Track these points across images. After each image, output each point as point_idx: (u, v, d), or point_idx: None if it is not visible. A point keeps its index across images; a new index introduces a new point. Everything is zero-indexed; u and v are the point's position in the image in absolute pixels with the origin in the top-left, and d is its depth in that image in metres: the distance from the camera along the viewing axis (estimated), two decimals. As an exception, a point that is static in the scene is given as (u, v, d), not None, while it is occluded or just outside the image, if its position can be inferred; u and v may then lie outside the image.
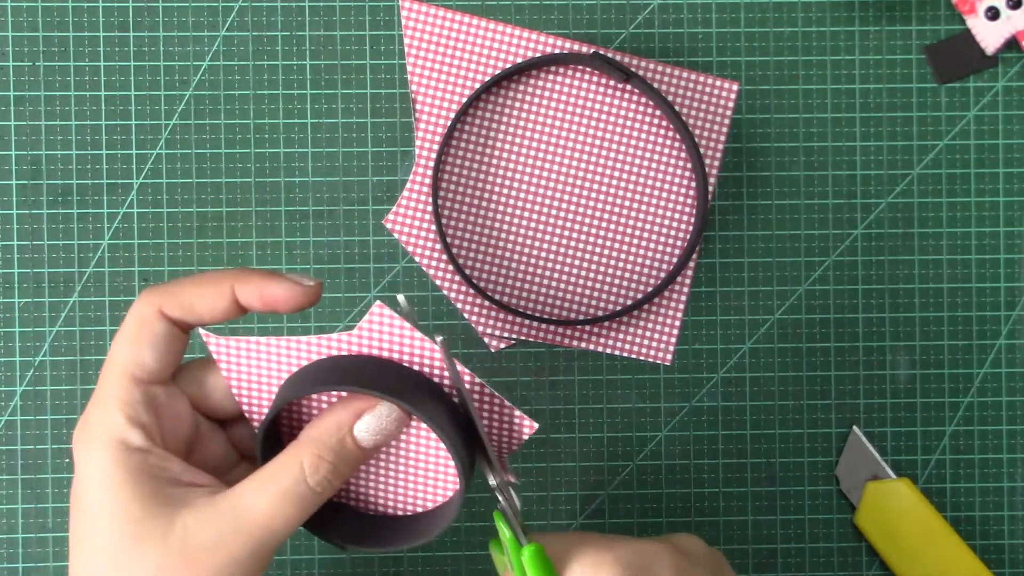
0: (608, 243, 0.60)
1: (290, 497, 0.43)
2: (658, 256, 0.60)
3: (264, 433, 0.45)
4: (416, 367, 0.45)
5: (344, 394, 0.46)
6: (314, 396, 0.46)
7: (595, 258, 0.60)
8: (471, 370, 0.46)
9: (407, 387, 0.44)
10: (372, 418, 0.44)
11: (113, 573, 0.42)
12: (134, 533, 0.42)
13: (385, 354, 0.45)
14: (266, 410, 0.46)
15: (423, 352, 0.45)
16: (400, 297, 0.44)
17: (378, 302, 0.44)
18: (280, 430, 0.47)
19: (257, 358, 0.45)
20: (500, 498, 0.45)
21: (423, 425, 0.46)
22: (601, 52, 0.60)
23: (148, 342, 0.45)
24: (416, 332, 0.44)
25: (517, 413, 0.46)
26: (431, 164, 0.60)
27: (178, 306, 0.45)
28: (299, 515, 0.43)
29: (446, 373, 0.45)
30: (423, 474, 0.47)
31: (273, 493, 0.43)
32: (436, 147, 0.60)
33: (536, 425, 0.46)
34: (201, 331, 0.45)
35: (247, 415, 0.47)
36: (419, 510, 0.48)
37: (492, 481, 0.45)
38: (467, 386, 0.45)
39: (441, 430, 0.43)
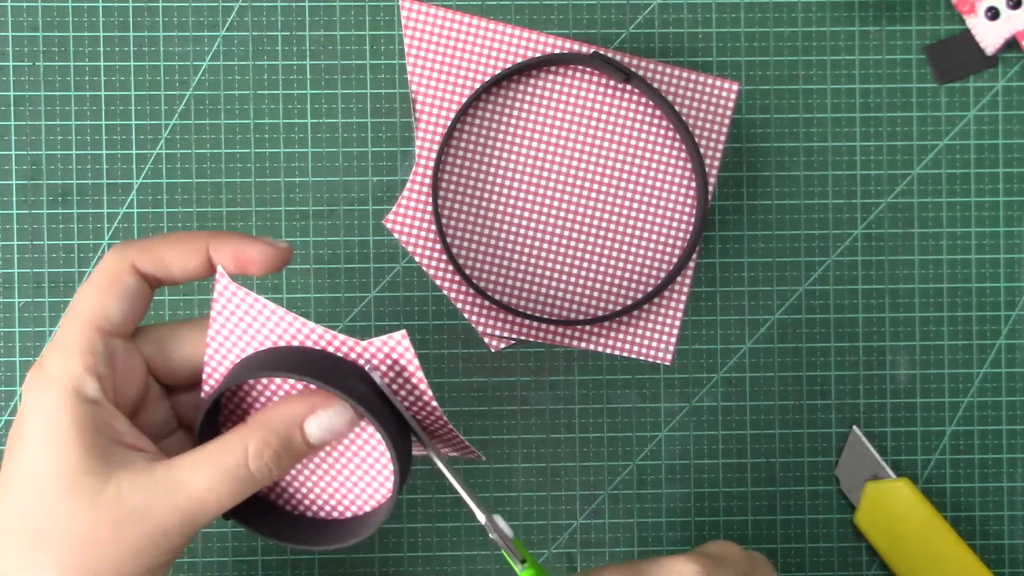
0: (608, 243, 0.60)
1: (228, 477, 0.43)
2: (658, 256, 0.60)
3: (209, 406, 0.45)
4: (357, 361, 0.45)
5: (298, 386, 0.45)
6: (262, 383, 0.46)
7: (595, 258, 0.60)
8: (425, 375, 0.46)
9: (358, 386, 0.44)
10: (326, 416, 0.44)
11: (40, 520, 0.42)
12: (68, 485, 0.42)
13: (331, 348, 0.45)
14: (221, 377, 0.46)
15: (297, 329, 0.45)
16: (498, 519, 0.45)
17: (403, 332, 0.44)
18: (220, 410, 0.47)
19: (252, 319, 0.45)
20: (491, 533, 0.45)
21: (361, 430, 0.46)
22: (601, 52, 0.60)
23: (117, 294, 0.44)
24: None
25: (389, 340, 0.45)
26: (431, 164, 0.60)
27: (151, 260, 0.45)
28: (233, 497, 0.43)
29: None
30: (356, 478, 0.47)
31: (212, 470, 0.43)
32: (436, 147, 0.60)
33: (403, 334, 0.44)
34: (219, 269, 0.45)
35: (204, 376, 0.46)
36: (348, 515, 0.48)
37: (480, 518, 0.45)
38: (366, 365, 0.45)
39: (387, 433, 0.43)
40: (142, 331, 0.46)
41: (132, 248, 0.45)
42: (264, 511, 0.47)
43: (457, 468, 0.60)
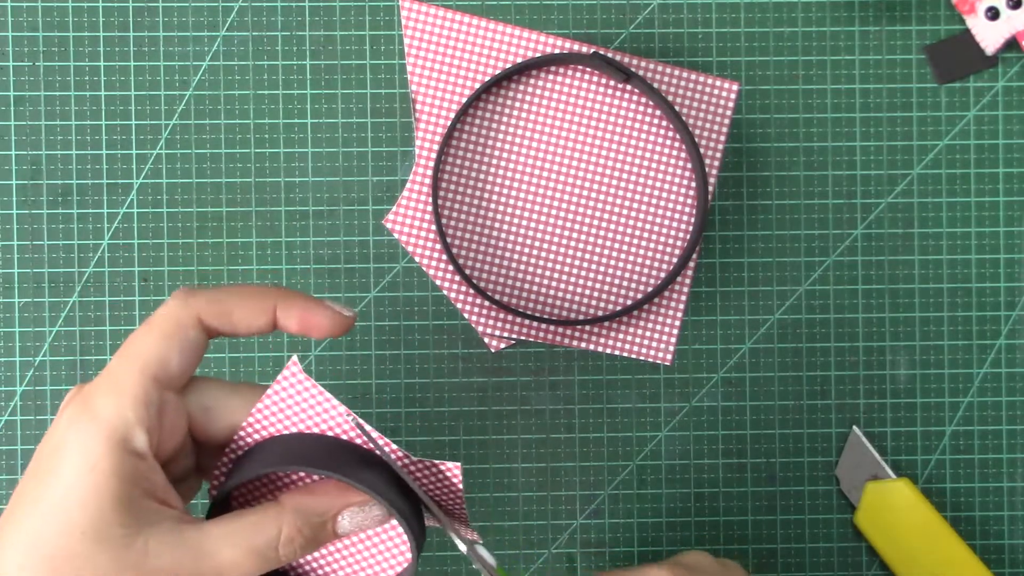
0: (608, 243, 0.60)
1: (256, 556, 0.43)
2: (658, 256, 0.60)
3: (232, 488, 0.44)
4: (335, 433, 0.45)
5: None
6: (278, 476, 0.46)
7: (595, 258, 0.60)
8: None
9: (361, 464, 0.44)
10: (361, 512, 0.44)
11: (62, 561, 0.41)
12: (97, 534, 0.41)
13: (300, 424, 0.45)
14: (247, 445, 0.46)
15: (337, 420, 0.45)
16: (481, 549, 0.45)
17: (294, 361, 0.44)
18: (233, 498, 0.47)
19: (305, 407, 0.44)
20: (474, 562, 0.45)
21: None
22: (601, 52, 0.60)
23: (178, 345, 0.43)
24: (329, 399, 0.44)
25: (442, 465, 0.45)
26: (431, 164, 0.60)
27: (218, 315, 0.44)
28: (256, 573, 0.43)
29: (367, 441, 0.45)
30: (374, 548, 0.47)
31: (242, 547, 0.42)
32: (436, 147, 0.60)
33: (457, 465, 0.45)
34: (293, 358, 0.44)
35: (232, 444, 0.46)
36: None
37: (462, 547, 0.45)
38: (393, 456, 0.45)
39: (399, 512, 0.43)
40: (192, 384, 0.45)
41: (199, 299, 0.44)
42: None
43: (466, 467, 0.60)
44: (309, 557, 0.47)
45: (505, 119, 0.60)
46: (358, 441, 0.45)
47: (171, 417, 0.44)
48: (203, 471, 0.47)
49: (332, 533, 0.44)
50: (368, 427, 0.44)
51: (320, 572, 0.48)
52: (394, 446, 0.44)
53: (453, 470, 0.44)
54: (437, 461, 0.44)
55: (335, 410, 0.44)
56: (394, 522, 0.46)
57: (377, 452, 0.45)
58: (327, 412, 0.44)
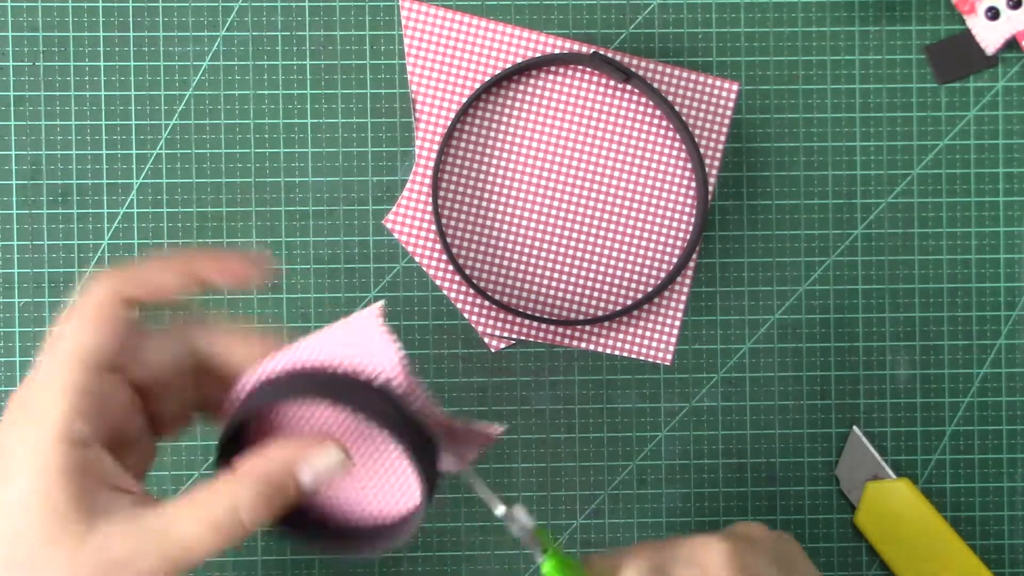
0: (608, 243, 0.60)
1: (220, 528, 0.42)
2: (658, 256, 0.60)
3: (228, 435, 0.44)
4: (375, 375, 0.45)
5: (306, 407, 0.45)
6: (282, 415, 0.46)
7: (595, 258, 0.60)
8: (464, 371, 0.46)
9: (367, 398, 0.43)
10: (319, 460, 0.43)
11: (20, 567, 0.41)
12: (51, 534, 0.40)
13: (350, 358, 0.44)
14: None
15: (386, 361, 0.44)
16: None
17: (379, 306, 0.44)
18: (241, 445, 0.47)
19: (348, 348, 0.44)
20: (511, 527, 0.44)
21: (386, 440, 0.46)
22: (601, 52, 0.60)
23: (104, 326, 0.42)
24: (391, 341, 0.44)
25: (483, 427, 0.45)
26: (431, 164, 0.60)
27: (135, 283, 0.43)
28: (223, 545, 0.42)
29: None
30: (385, 487, 0.47)
31: (203, 520, 0.41)
32: (436, 147, 0.60)
33: (496, 429, 0.45)
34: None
35: (232, 395, 0.46)
36: (379, 522, 0.47)
37: (498, 511, 0.44)
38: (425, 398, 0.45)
39: (403, 442, 0.43)
40: (199, 331, 0.45)
41: (114, 275, 0.43)
42: (295, 518, 0.47)
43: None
44: (327, 493, 0.47)
45: (505, 119, 0.60)
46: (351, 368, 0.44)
47: (112, 398, 0.43)
48: (212, 407, 0.46)
49: (297, 489, 0.43)
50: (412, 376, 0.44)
51: (337, 510, 0.47)
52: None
53: (491, 430, 0.44)
54: (476, 422, 0.44)
55: (387, 353, 0.44)
56: (407, 463, 0.46)
57: (413, 400, 0.44)
58: (376, 355, 0.44)
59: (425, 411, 0.44)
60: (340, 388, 0.43)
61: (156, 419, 0.46)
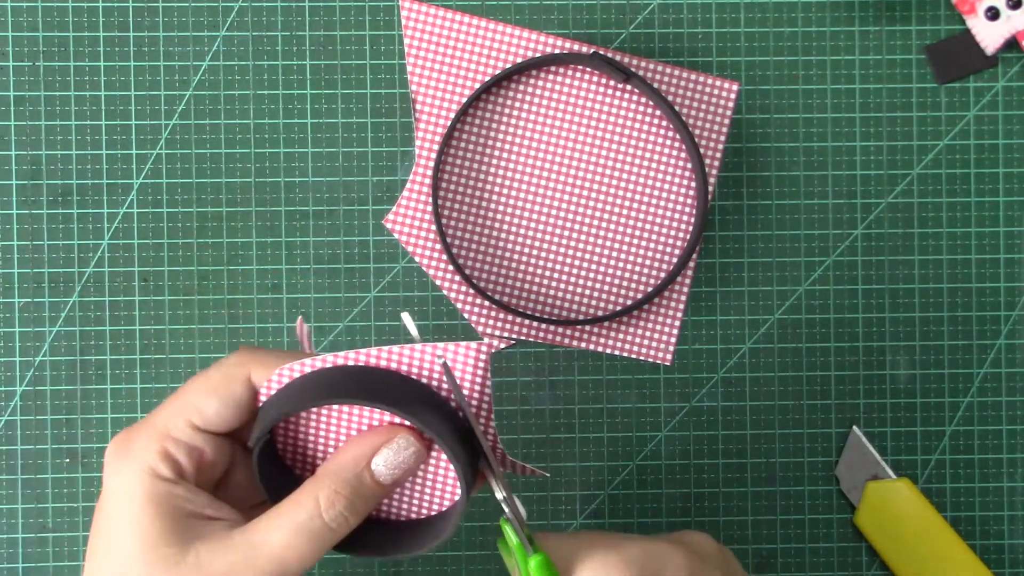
0: (608, 243, 0.60)
1: (304, 532, 0.43)
2: (658, 256, 0.60)
3: (262, 454, 0.44)
4: (415, 375, 0.45)
5: (365, 415, 0.45)
6: (321, 417, 0.46)
7: (595, 258, 0.60)
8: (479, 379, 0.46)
9: (408, 398, 0.44)
10: (390, 451, 0.44)
11: None
12: (147, 558, 0.43)
13: (384, 363, 0.45)
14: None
15: (423, 360, 0.44)
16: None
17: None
18: (283, 455, 0.47)
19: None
20: (506, 509, 0.44)
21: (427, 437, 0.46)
22: (601, 52, 0.60)
23: (221, 398, 0.45)
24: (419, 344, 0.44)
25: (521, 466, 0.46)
26: (431, 164, 0.60)
27: (268, 374, 0.45)
28: (313, 551, 0.43)
29: (444, 383, 0.45)
30: (426, 482, 0.47)
31: (287, 528, 0.43)
32: (436, 147, 0.60)
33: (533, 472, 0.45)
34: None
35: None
36: (420, 516, 0.48)
37: (498, 495, 0.45)
38: (467, 396, 0.45)
39: (443, 441, 0.43)
40: (261, 357, 0.46)
41: (254, 360, 0.45)
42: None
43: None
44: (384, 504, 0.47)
45: (505, 119, 0.60)
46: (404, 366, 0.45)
47: (209, 454, 0.45)
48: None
49: (375, 483, 0.44)
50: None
51: (391, 515, 0.48)
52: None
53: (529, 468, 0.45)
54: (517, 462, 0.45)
55: (424, 354, 0.44)
56: (444, 459, 0.46)
57: (452, 397, 0.44)
58: (411, 358, 0.44)
59: (469, 417, 0.44)
60: (379, 389, 0.43)
61: None
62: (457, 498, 0.47)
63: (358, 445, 0.44)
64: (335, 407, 0.45)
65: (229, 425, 0.45)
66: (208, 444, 0.45)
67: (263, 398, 0.45)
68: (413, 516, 0.48)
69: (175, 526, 0.43)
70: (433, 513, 0.47)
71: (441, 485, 0.47)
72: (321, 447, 0.46)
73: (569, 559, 0.45)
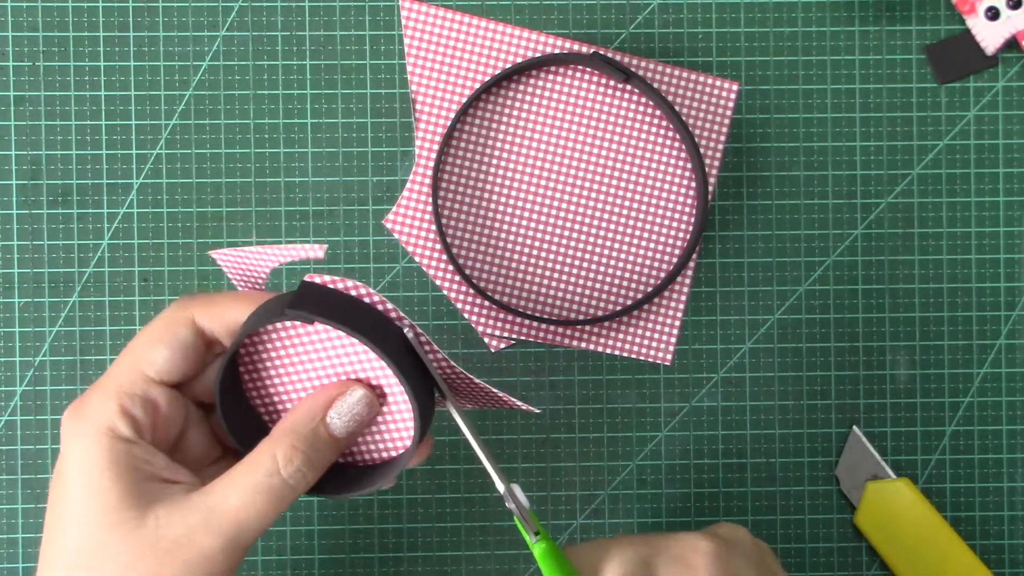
0: (608, 243, 0.60)
1: (262, 490, 0.43)
2: (658, 256, 0.60)
3: (224, 386, 0.45)
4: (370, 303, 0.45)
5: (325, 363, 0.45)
6: (283, 358, 0.46)
7: (595, 258, 0.60)
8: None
9: (368, 325, 0.43)
10: (344, 404, 0.45)
11: (84, 556, 0.43)
12: (107, 522, 0.43)
13: (341, 287, 0.45)
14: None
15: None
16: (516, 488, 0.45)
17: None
18: (249, 396, 0.47)
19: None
20: (509, 504, 0.45)
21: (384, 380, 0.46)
22: (601, 52, 0.60)
23: (167, 343, 0.45)
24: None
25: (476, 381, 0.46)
26: (431, 164, 0.60)
27: (209, 314, 0.45)
28: (272, 509, 0.43)
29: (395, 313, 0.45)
30: (382, 427, 0.47)
31: (245, 487, 0.43)
32: (436, 147, 0.60)
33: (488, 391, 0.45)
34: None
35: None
36: (375, 460, 0.48)
37: (500, 488, 0.45)
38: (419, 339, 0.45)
39: (403, 375, 0.43)
40: (199, 299, 0.46)
41: (194, 302, 0.45)
42: None
43: (483, 438, 0.60)
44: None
45: (505, 119, 0.60)
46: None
47: (165, 407, 0.45)
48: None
49: (330, 436, 0.44)
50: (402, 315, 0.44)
51: (346, 459, 0.48)
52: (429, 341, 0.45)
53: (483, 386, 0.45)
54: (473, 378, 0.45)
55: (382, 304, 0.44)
56: (403, 406, 0.46)
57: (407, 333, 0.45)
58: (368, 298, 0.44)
59: (430, 353, 0.45)
60: (345, 312, 0.43)
61: (218, 431, 0.48)
62: (410, 443, 0.47)
63: (312, 401, 0.45)
64: (299, 350, 0.45)
65: (182, 371, 0.45)
66: (163, 397, 0.45)
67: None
68: (369, 460, 0.48)
69: (134, 489, 0.43)
70: (389, 456, 0.48)
71: (396, 430, 0.47)
72: (283, 393, 0.47)
73: (597, 562, 0.45)
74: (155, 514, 0.43)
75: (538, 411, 0.49)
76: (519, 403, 0.47)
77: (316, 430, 0.44)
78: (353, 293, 0.44)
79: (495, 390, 0.46)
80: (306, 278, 0.44)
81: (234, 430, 0.46)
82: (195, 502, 0.43)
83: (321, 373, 0.46)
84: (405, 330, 0.44)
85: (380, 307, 0.44)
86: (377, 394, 0.46)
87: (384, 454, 0.48)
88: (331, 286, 0.44)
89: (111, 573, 0.42)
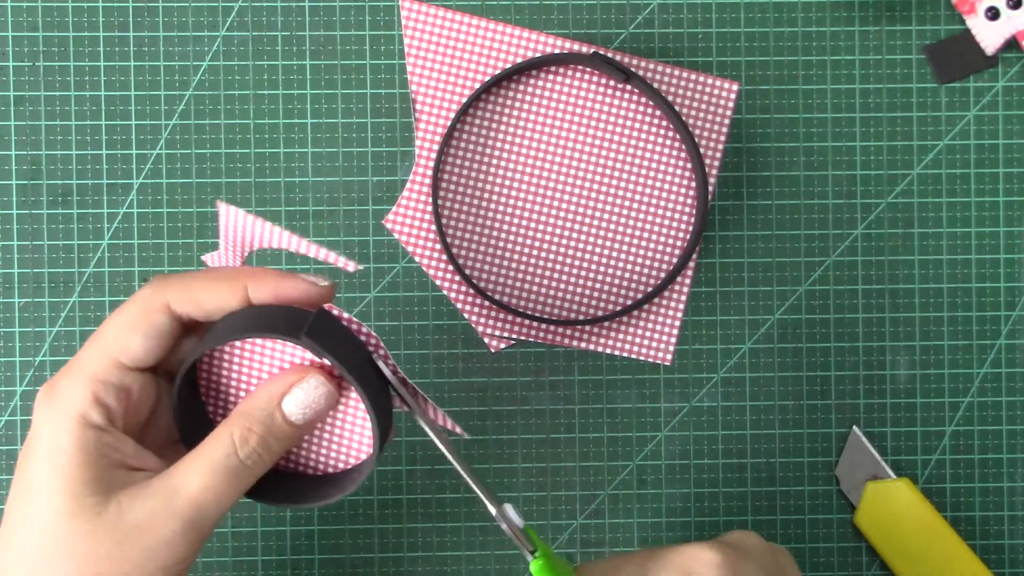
0: (608, 243, 0.60)
1: (221, 471, 0.43)
2: (658, 256, 0.60)
3: (181, 393, 0.45)
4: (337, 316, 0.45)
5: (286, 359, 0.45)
6: (243, 358, 0.46)
7: (595, 258, 0.60)
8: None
9: (328, 336, 0.44)
10: (301, 391, 0.45)
11: (46, 540, 0.43)
12: (70, 508, 0.43)
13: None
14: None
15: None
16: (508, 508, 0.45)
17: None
18: (206, 399, 0.47)
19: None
20: (502, 525, 0.45)
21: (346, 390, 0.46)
22: (601, 52, 0.60)
23: (143, 331, 0.44)
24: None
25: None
26: (431, 164, 0.60)
27: (186, 300, 0.45)
28: (231, 491, 0.43)
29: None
30: (340, 434, 0.47)
31: (203, 469, 0.43)
32: (436, 147, 0.60)
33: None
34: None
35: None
36: (336, 470, 0.48)
37: (491, 509, 0.45)
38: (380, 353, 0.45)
39: (362, 387, 0.43)
40: (175, 282, 0.46)
41: (169, 286, 0.45)
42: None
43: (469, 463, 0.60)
44: (295, 453, 0.48)
45: (505, 119, 0.60)
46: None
47: (138, 393, 0.45)
48: None
49: (286, 422, 0.45)
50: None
51: (306, 467, 0.48)
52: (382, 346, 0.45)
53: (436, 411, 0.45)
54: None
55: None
56: (358, 412, 0.46)
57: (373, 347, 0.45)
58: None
59: (385, 361, 0.45)
60: (285, 325, 0.44)
61: None
62: (366, 456, 0.47)
63: (270, 385, 0.45)
64: (257, 346, 0.46)
65: (157, 356, 0.45)
66: (136, 382, 0.45)
67: None
68: (330, 470, 0.48)
69: (100, 475, 0.43)
70: (349, 467, 0.48)
71: (358, 438, 0.47)
72: (241, 388, 0.47)
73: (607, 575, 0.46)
74: (117, 500, 0.43)
75: (467, 436, 0.50)
76: (456, 426, 0.47)
77: (272, 415, 0.44)
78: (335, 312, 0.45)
79: (440, 412, 0.46)
80: (325, 306, 0.44)
81: (185, 430, 0.46)
82: (156, 486, 0.43)
83: (277, 364, 0.46)
84: (376, 355, 0.44)
85: (352, 325, 0.45)
86: (336, 386, 0.46)
87: (341, 464, 0.48)
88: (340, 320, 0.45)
89: (73, 560, 0.42)
